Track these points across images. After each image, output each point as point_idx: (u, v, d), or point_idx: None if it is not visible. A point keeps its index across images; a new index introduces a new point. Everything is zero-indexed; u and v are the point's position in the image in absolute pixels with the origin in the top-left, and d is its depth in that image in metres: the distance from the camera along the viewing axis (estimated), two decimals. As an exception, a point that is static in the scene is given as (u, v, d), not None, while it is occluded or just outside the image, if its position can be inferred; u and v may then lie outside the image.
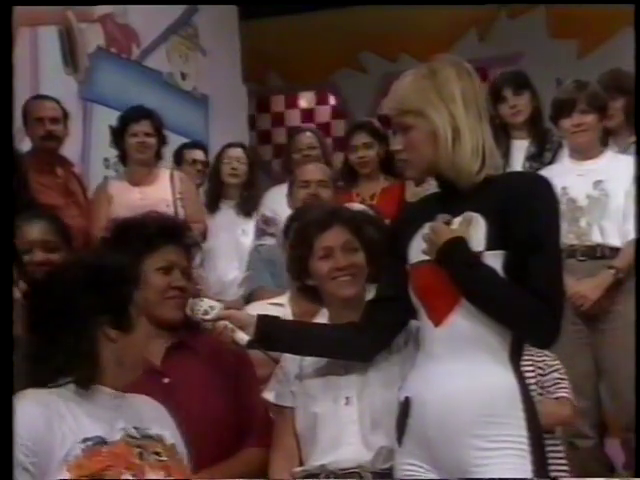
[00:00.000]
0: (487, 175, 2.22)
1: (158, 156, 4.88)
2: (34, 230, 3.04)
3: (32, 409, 1.98)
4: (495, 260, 2.14)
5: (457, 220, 2.20)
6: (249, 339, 2.41)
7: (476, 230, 2.17)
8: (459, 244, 2.15)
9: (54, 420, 1.99)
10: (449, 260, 2.16)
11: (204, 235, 4.84)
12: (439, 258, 2.18)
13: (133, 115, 4.81)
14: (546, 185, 2.22)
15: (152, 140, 4.78)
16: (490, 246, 2.15)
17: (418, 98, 2.21)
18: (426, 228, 2.22)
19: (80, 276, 2.11)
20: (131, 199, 4.56)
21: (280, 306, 3.24)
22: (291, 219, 3.45)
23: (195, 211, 4.85)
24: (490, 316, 2.15)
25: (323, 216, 2.65)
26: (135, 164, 4.81)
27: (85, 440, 2.00)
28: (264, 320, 2.44)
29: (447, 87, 2.21)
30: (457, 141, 2.19)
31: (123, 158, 4.88)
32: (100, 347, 2.07)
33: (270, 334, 2.42)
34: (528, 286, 2.13)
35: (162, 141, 4.87)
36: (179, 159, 5.49)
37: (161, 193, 4.72)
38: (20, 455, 1.93)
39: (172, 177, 4.86)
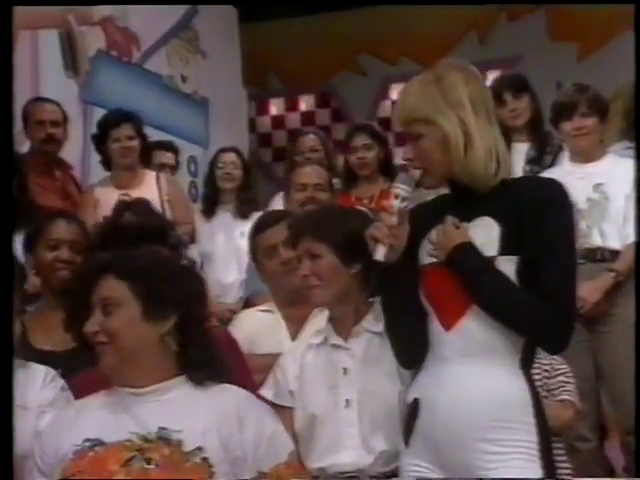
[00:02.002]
0: (501, 179, 2.21)
1: (142, 158, 4.85)
2: (64, 229, 3.09)
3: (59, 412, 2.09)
4: (509, 265, 2.14)
5: (468, 225, 2.19)
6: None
7: (490, 234, 2.16)
8: (470, 248, 2.15)
9: (65, 421, 2.07)
10: (460, 265, 2.15)
11: (193, 236, 4.84)
12: (449, 262, 2.16)
13: (113, 120, 4.76)
14: (561, 190, 2.20)
15: (135, 143, 4.74)
16: (504, 251, 2.14)
17: (426, 106, 2.19)
18: (434, 231, 2.21)
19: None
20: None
21: (269, 312, 3.20)
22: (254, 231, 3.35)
23: (183, 212, 4.83)
24: (501, 322, 2.14)
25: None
26: (120, 169, 4.76)
27: (86, 440, 2.02)
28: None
29: (454, 92, 2.19)
30: (469, 146, 2.17)
31: (107, 163, 4.84)
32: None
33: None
34: (541, 292, 2.12)
35: (144, 142, 4.83)
36: (147, 160, 5.26)
37: (148, 195, 4.68)
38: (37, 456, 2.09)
39: (158, 179, 4.83)
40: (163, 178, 4.88)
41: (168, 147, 5.48)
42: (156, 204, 4.59)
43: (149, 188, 4.75)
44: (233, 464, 2.07)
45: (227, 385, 2.19)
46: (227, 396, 2.16)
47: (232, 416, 2.11)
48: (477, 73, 2.27)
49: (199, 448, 2.05)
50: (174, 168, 5.44)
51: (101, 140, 4.80)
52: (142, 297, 2.12)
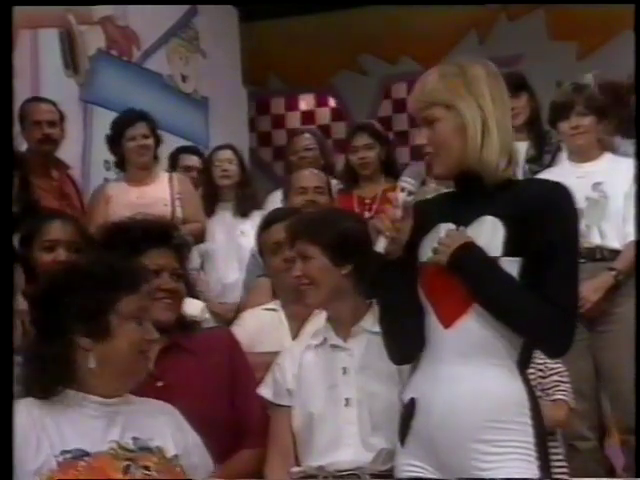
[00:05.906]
0: (507, 178, 2.21)
1: (156, 157, 4.90)
2: (59, 230, 3.08)
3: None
4: (511, 266, 2.13)
5: (472, 223, 2.18)
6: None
7: (494, 235, 2.15)
8: (474, 247, 2.14)
9: (31, 431, 1.99)
10: (464, 264, 2.13)
11: (202, 235, 4.85)
12: (453, 263, 2.14)
13: (128, 119, 4.82)
14: (566, 194, 2.20)
15: (150, 141, 4.81)
16: (507, 252, 2.13)
17: (447, 91, 2.19)
18: (429, 239, 2.19)
19: (64, 281, 2.11)
20: (129, 199, 4.58)
21: (274, 311, 3.22)
22: (261, 227, 3.42)
23: (194, 211, 4.85)
24: (503, 322, 2.13)
25: None
26: (135, 167, 4.81)
27: (64, 452, 1.98)
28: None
29: (476, 84, 2.20)
30: (486, 136, 2.17)
31: (121, 163, 4.88)
32: (75, 355, 2.07)
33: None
34: (543, 294, 2.11)
35: (158, 141, 4.89)
36: (174, 163, 5.43)
37: (159, 192, 4.74)
38: None
39: (171, 178, 4.88)
40: (175, 177, 4.92)
41: (193, 151, 5.52)
42: (167, 201, 4.63)
43: (161, 186, 4.80)
44: (190, 471, 2.13)
45: (149, 399, 2.22)
46: (162, 406, 2.21)
47: (178, 425, 2.18)
48: (497, 71, 2.27)
49: (175, 455, 2.09)
50: (201, 171, 5.38)
51: (115, 141, 4.83)
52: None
